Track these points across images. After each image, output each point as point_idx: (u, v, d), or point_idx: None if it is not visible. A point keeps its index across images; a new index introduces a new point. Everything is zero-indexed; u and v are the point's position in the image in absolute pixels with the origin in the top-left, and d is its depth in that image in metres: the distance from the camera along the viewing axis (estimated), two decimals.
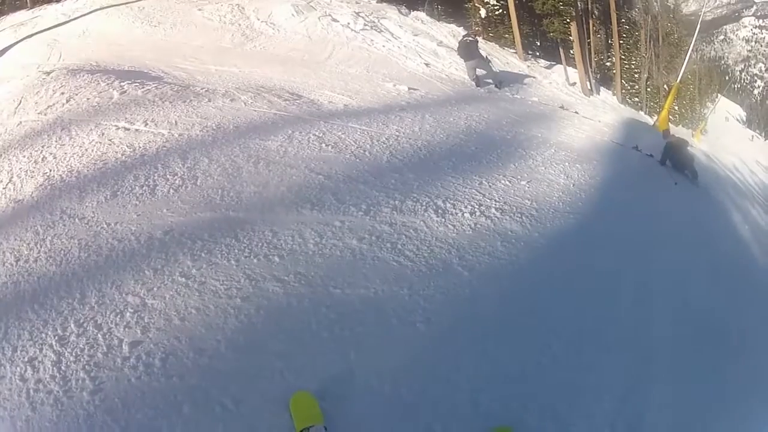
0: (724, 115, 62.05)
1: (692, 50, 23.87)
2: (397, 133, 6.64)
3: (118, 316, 2.90)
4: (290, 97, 7.46)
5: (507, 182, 5.84)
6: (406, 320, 3.33)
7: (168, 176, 4.53)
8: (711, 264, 6.33)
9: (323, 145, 5.72)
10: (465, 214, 4.79)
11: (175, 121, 5.64)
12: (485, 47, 14.69)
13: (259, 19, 14.71)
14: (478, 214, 4.86)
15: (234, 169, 4.80)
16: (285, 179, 4.77)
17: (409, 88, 10.18)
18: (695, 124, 38.07)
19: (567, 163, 7.21)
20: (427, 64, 14.16)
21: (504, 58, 16.41)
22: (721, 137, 38.62)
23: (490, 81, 13.80)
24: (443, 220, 4.60)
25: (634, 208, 6.95)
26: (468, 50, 13.33)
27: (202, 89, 7.02)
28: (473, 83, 13.34)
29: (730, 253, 7.35)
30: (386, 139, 6.32)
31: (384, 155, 5.82)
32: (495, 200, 5.24)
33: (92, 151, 4.88)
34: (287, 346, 2.91)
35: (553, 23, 23.25)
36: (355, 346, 3.01)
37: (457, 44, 14.10)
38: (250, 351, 2.82)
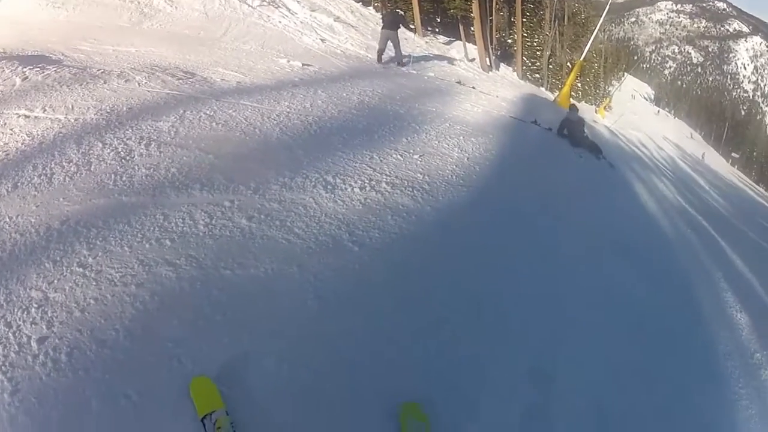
0: (631, 92, 66.35)
1: (599, 30, 25.22)
2: (288, 110, 6.79)
3: (25, 313, 2.88)
4: (184, 75, 7.46)
5: (399, 156, 6.13)
6: (296, 299, 3.45)
7: (64, 163, 4.45)
8: (613, 236, 6.89)
9: (214, 123, 5.79)
10: (355, 189, 5.00)
11: (72, 106, 5.55)
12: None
13: None
14: (368, 188, 5.09)
15: (126, 152, 4.78)
16: (176, 160, 4.80)
17: (303, 64, 10.39)
18: (599, 101, 40.52)
19: (462, 137, 7.62)
20: (323, 40, 14.37)
21: (402, 34, 16.78)
22: (627, 114, 41.31)
23: (393, 59, 14.26)
24: (332, 195, 4.79)
25: (530, 180, 7.39)
26: (392, 20, 13.99)
27: (98, 71, 6.89)
28: (377, 55, 13.94)
29: (632, 225, 8.00)
30: (277, 115, 6.46)
31: (274, 132, 5.95)
32: (386, 174, 5.51)
33: None
34: (182, 331, 2.97)
35: (455, 0, 23.96)
36: (248, 329, 3.11)
37: (385, 12, 14.50)
38: (148, 339, 2.87)
